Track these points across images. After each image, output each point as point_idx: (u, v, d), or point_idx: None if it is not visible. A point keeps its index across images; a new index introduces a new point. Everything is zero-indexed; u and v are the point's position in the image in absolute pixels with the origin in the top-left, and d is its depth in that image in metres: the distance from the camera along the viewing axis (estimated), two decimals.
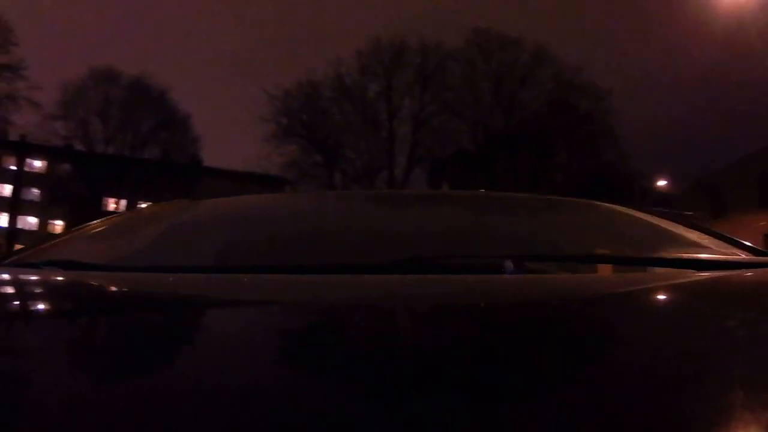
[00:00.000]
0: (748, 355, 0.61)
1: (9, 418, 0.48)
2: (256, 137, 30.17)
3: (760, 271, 1.24)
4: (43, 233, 32.53)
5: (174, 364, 0.62)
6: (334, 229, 1.67)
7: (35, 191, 36.18)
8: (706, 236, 1.59)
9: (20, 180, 35.25)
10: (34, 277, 1.27)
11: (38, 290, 1.17)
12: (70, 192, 31.10)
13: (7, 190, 36.05)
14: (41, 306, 1.02)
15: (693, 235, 1.63)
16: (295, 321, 0.84)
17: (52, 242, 1.83)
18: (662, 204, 25.15)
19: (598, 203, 2.06)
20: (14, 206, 33.27)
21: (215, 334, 0.76)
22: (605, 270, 1.27)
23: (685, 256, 1.38)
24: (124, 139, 31.62)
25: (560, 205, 2.21)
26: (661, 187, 27.10)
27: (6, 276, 1.30)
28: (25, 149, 33.14)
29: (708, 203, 24.89)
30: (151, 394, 0.52)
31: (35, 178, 36.38)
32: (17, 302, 1.08)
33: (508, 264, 1.11)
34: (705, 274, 1.17)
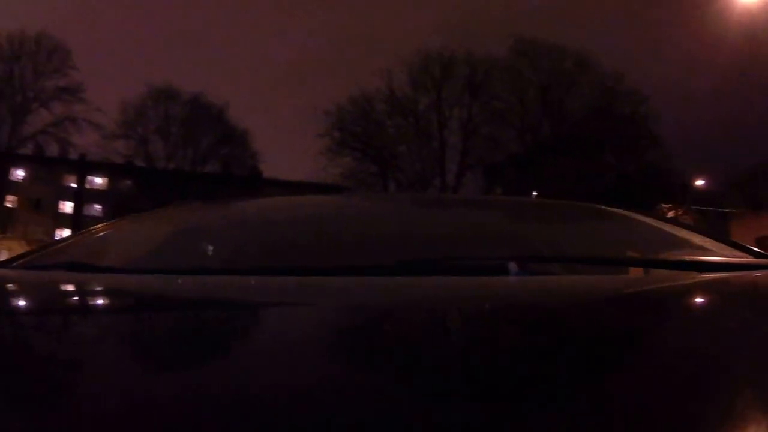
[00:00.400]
0: (754, 356, 0.62)
1: (21, 417, 0.48)
2: (312, 149, 31.16)
3: (763, 273, 1.26)
4: None
5: (182, 367, 0.62)
6: (341, 230, 1.69)
7: (97, 207, 37.23)
8: (708, 239, 1.60)
9: (81, 197, 36.66)
10: (41, 279, 1.29)
11: (45, 292, 1.16)
12: (132, 207, 31.92)
13: (69, 207, 37.50)
14: (47, 307, 1.02)
15: (695, 238, 1.64)
16: (301, 324, 0.83)
17: (61, 245, 1.87)
18: (702, 202, 26.19)
19: (602, 207, 2.09)
20: (76, 222, 34.41)
21: (222, 337, 0.76)
22: (609, 272, 1.29)
23: (688, 258, 1.40)
24: (184, 156, 32.67)
25: (564, 208, 2.25)
26: (700, 186, 28.08)
27: (14, 277, 1.32)
28: (85, 167, 34.36)
29: (746, 200, 25.88)
30: (157, 397, 0.52)
31: (97, 195, 37.67)
32: (24, 304, 1.09)
33: (512, 266, 1.13)
34: (708, 276, 1.19)
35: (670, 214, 21.52)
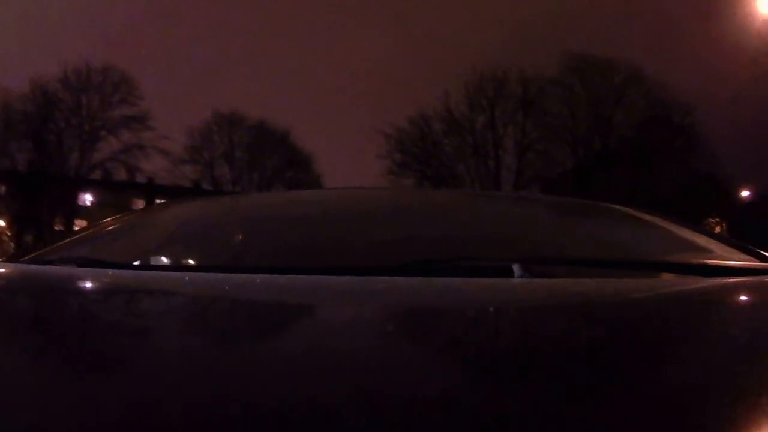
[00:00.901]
0: (759, 365, 0.61)
1: (24, 415, 0.48)
2: (373, 170, 32.48)
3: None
4: None
5: (184, 364, 0.61)
6: (347, 228, 1.66)
7: None
8: (717, 242, 1.58)
9: None
10: (49, 274, 1.28)
11: (52, 287, 1.15)
12: None
13: None
14: (53, 302, 1.01)
15: (703, 240, 1.61)
16: (305, 323, 0.84)
17: (70, 240, 1.85)
18: (752, 210, 27.21)
19: (609, 205, 2.09)
20: None
21: (224, 337, 0.75)
22: (616, 275, 1.24)
23: (695, 261, 1.37)
24: (250, 180, 33.88)
25: (571, 206, 2.23)
26: (745, 197, 29.11)
27: (21, 272, 1.33)
28: (153, 191, 35.79)
29: None
30: (163, 394, 0.52)
31: None
32: (30, 299, 1.07)
33: (517, 268, 1.10)
34: (715, 281, 1.17)
35: (717, 229, 22.54)
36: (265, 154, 34.04)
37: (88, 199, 36.88)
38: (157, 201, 39.94)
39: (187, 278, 1.17)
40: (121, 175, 35.06)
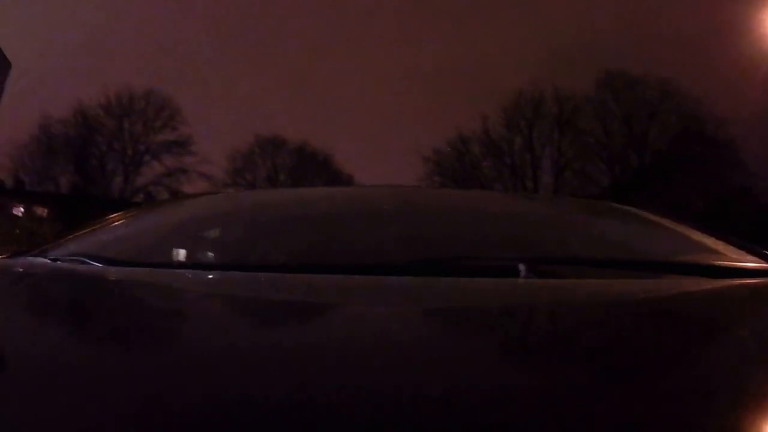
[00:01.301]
0: (765, 365, 0.62)
1: (25, 411, 0.48)
2: None
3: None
4: None
5: (189, 360, 0.61)
6: (351, 226, 1.68)
7: None
8: (723, 243, 1.55)
9: None
10: (49, 270, 1.30)
11: (52, 283, 1.16)
12: None
13: None
14: (55, 298, 1.02)
15: (709, 241, 1.59)
16: (310, 322, 0.83)
17: (73, 236, 1.82)
18: None
19: (616, 205, 2.09)
20: None
21: (227, 336, 0.74)
22: (622, 275, 1.23)
23: (701, 263, 1.37)
24: None
25: (578, 206, 2.24)
26: None
27: (20, 268, 1.34)
28: None
29: None
30: (168, 392, 0.52)
31: None
32: (33, 293, 1.08)
33: (523, 268, 1.11)
34: (722, 282, 1.17)
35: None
36: (307, 177, 34.32)
37: None
38: None
39: (191, 276, 1.16)
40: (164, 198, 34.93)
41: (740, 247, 1.50)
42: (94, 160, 32.65)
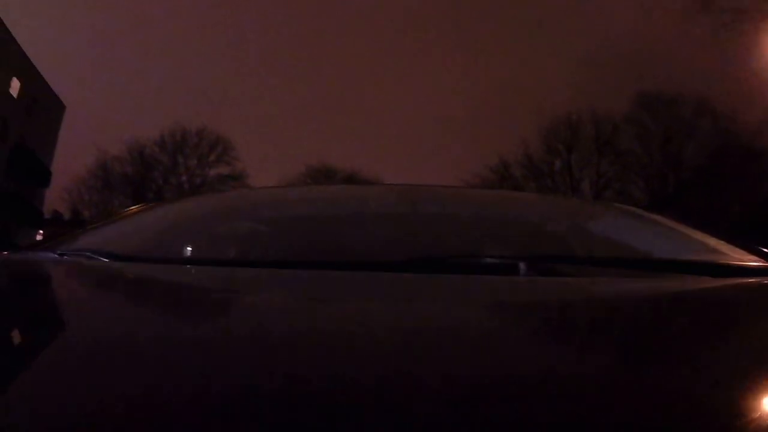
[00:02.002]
0: (762, 364, 0.62)
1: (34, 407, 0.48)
2: None
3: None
4: None
5: (181, 362, 0.60)
6: (354, 223, 1.71)
7: None
8: (723, 242, 1.54)
9: None
10: (54, 265, 1.30)
11: (57, 278, 1.17)
12: None
13: None
14: (56, 293, 1.03)
15: (709, 241, 1.58)
16: (311, 320, 0.82)
17: (80, 232, 1.84)
18: None
19: (617, 205, 2.12)
20: None
21: (230, 331, 0.74)
22: (622, 274, 1.23)
23: (702, 261, 1.36)
24: None
25: (580, 206, 2.31)
26: None
27: (25, 263, 1.34)
28: None
29: None
30: (169, 390, 0.52)
31: None
32: (36, 289, 1.08)
33: (523, 266, 1.11)
34: (722, 281, 1.16)
35: None
36: None
37: None
38: None
39: (193, 271, 1.16)
40: None
41: (740, 246, 1.49)
42: (151, 194, 33.87)
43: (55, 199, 34.86)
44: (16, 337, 0.71)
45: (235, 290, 1.06)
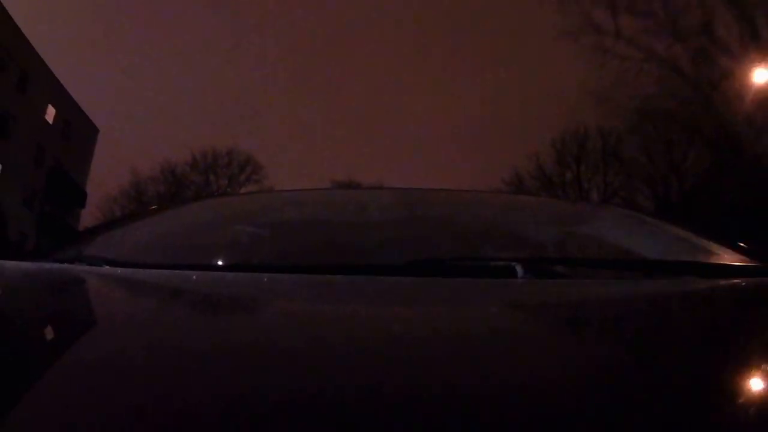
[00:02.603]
0: (756, 365, 0.62)
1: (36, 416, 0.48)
2: None
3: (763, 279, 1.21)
4: None
5: (186, 367, 0.60)
6: (351, 227, 1.71)
7: None
8: (716, 244, 1.54)
9: None
10: (61, 273, 1.25)
11: (64, 286, 1.14)
12: None
13: None
14: (65, 302, 1.01)
15: (703, 242, 1.59)
16: (311, 324, 0.81)
17: (80, 238, 1.82)
18: None
19: (614, 208, 2.15)
20: None
21: (234, 337, 0.73)
22: (618, 275, 1.24)
23: (694, 262, 1.37)
24: None
25: (576, 209, 2.34)
26: None
27: (27, 271, 1.28)
28: None
29: None
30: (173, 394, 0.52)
31: None
32: (39, 297, 1.04)
33: (521, 268, 1.10)
34: (714, 282, 1.16)
35: None
36: None
37: None
38: None
39: (195, 277, 1.16)
40: None
41: (734, 247, 1.49)
42: None
43: (90, 218, 36.98)
44: (20, 346, 0.69)
45: (237, 295, 1.05)
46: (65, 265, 1.34)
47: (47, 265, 1.36)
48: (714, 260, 1.45)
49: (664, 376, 0.58)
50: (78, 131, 37.08)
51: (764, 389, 0.56)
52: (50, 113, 34.33)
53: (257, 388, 0.54)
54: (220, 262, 1.41)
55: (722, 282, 1.19)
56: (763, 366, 0.63)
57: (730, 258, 1.45)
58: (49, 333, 0.77)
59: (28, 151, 31.96)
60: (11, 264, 1.37)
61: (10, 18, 30.02)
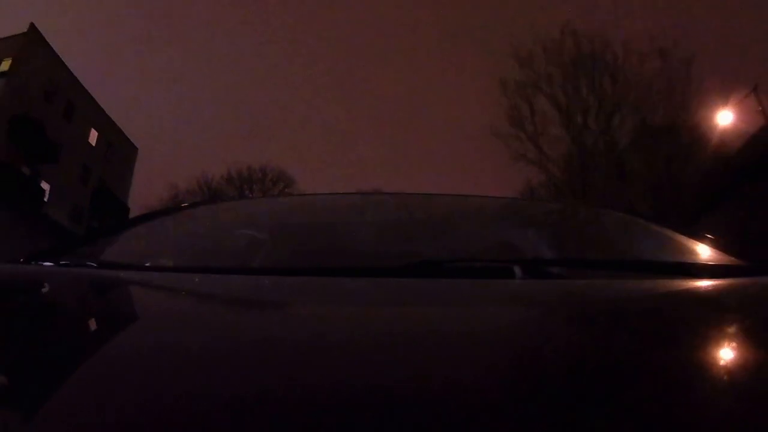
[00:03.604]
0: (751, 364, 0.63)
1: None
2: None
3: (760, 279, 1.23)
4: None
5: (187, 368, 0.60)
6: (350, 231, 1.72)
7: None
8: (709, 245, 1.56)
9: None
10: (64, 275, 1.25)
11: (65, 288, 1.13)
12: None
13: None
14: (67, 304, 1.00)
15: (696, 245, 1.61)
16: (314, 325, 0.82)
17: (84, 241, 1.83)
18: None
19: (609, 211, 2.22)
20: None
21: (233, 340, 0.73)
22: (613, 276, 1.24)
23: (686, 263, 1.39)
24: None
25: (571, 212, 2.40)
26: None
27: (28, 274, 1.28)
28: None
29: None
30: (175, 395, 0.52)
31: None
32: (39, 300, 1.04)
33: (517, 269, 1.11)
34: (705, 282, 1.17)
35: None
36: None
37: None
38: None
39: (196, 279, 1.16)
40: None
41: (728, 249, 1.49)
42: None
43: None
44: (22, 349, 0.69)
45: (239, 298, 1.04)
46: (71, 268, 1.33)
47: (49, 268, 1.35)
48: (708, 261, 1.46)
49: (662, 376, 0.59)
50: (119, 151, 40.29)
51: (763, 388, 0.56)
52: (93, 136, 37.53)
53: (261, 389, 0.54)
54: (223, 265, 1.40)
55: (718, 282, 1.19)
56: (759, 364, 0.63)
57: (724, 259, 1.46)
58: (50, 335, 0.75)
59: (75, 172, 35.14)
60: (9, 267, 1.35)
61: (57, 55, 33.20)
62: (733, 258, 1.45)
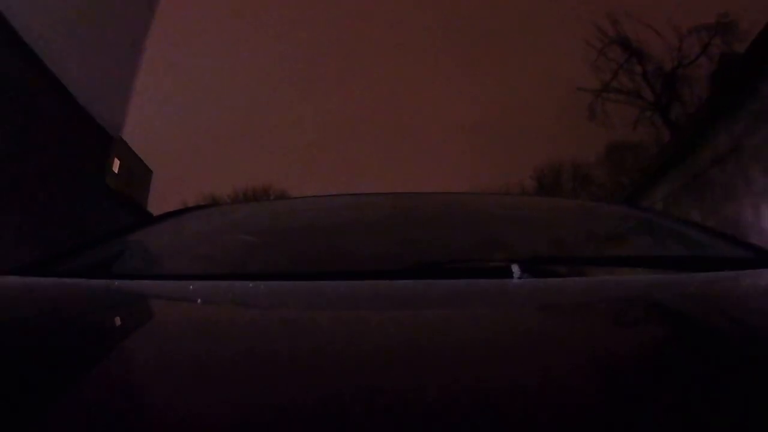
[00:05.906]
0: (757, 358, 0.62)
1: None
2: None
3: (762, 271, 1.24)
4: None
5: (186, 371, 0.62)
6: (352, 233, 1.76)
7: None
8: (715, 237, 1.59)
9: None
10: (53, 286, 1.24)
11: (57, 299, 1.12)
12: None
13: None
14: (59, 315, 0.98)
15: (702, 236, 1.65)
16: (314, 328, 0.83)
17: (79, 250, 1.78)
18: None
19: (612, 205, 2.26)
20: None
21: (230, 342, 0.75)
22: (618, 272, 1.26)
23: (693, 256, 1.42)
24: None
25: (573, 208, 2.35)
26: None
27: (19, 284, 1.28)
28: None
29: None
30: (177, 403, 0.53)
31: None
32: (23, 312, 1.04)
33: (518, 268, 1.11)
34: (713, 275, 1.17)
35: None
36: None
37: None
38: None
39: (191, 287, 1.14)
40: None
41: (729, 240, 1.54)
42: None
43: None
44: (24, 358, 0.69)
45: (238, 303, 1.05)
46: (67, 279, 1.32)
47: (47, 280, 1.33)
48: (714, 253, 1.48)
49: (667, 374, 0.59)
50: (137, 175, 44.09)
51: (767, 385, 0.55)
52: (116, 165, 41.23)
53: (261, 393, 0.55)
54: (220, 271, 1.42)
55: (724, 275, 1.19)
56: (765, 360, 0.62)
57: (731, 252, 1.48)
58: (50, 346, 0.75)
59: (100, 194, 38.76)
60: (12, 279, 1.34)
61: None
62: (738, 249, 1.51)
